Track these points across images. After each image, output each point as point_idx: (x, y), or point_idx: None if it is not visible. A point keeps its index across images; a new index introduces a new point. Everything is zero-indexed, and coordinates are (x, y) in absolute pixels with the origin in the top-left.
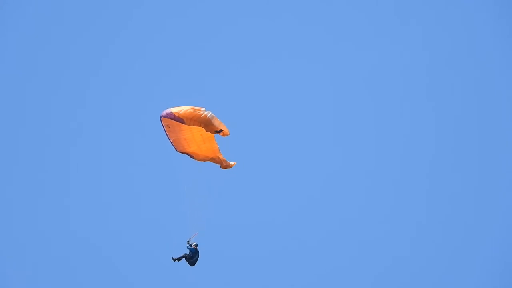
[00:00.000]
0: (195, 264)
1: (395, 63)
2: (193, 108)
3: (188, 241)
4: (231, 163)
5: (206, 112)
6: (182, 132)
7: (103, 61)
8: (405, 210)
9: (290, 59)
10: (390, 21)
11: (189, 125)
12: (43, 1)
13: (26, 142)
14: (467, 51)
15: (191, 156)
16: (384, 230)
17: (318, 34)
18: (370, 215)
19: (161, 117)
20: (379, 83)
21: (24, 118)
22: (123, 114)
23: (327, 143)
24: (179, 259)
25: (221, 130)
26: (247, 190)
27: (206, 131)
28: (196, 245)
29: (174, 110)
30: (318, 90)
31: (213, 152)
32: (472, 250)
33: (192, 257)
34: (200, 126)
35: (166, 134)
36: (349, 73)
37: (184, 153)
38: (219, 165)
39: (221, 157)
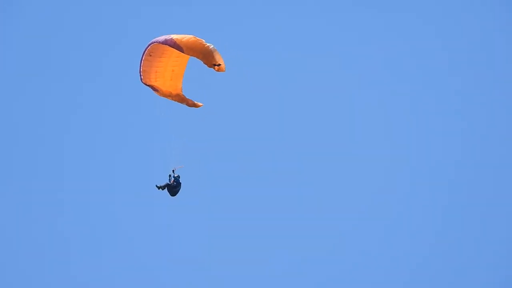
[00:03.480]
0: (176, 195)
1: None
2: (196, 38)
3: (173, 170)
4: (198, 103)
5: (209, 44)
6: (157, 63)
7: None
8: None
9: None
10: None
11: (187, 54)
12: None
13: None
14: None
15: (155, 90)
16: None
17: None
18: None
19: (152, 42)
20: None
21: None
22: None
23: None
24: (163, 187)
25: (219, 64)
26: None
27: (204, 63)
28: (179, 177)
29: (175, 36)
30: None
31: (176, 89)
32: None
33: (175, 186)
34: (198, 56)
35: (140, 63)
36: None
37: (149, 85)
38: (184, 104)
39: (182, 95)
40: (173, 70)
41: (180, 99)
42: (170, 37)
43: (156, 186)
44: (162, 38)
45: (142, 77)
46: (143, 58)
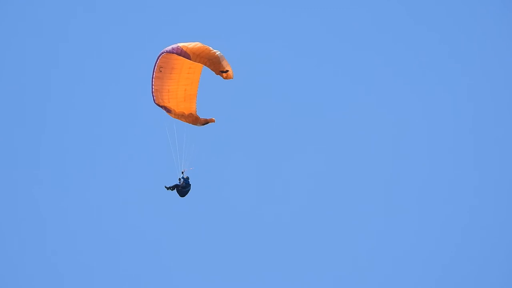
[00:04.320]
0: (185, 196)
1: None
2: (202, 44)
3: (183, 172)
4: (210, 119)
5: (215, 50)
6: (169, 81)
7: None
8: None
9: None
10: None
11: (194, 61)
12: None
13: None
14: None
15: (168, 111)
16: None
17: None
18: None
19: (162, 53)
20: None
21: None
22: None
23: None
24: (172, 188)
25: (226, 71)
26: None
27: (211, 69)
28: (188, 178)
29: (182, 44)
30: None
31: (189, 109)
32: None
33: (184, 187)
34: (205, 63)
35: (152, 80)
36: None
37: (162, 106)
38: (196, 125)
39: (195, 115)
40: (185, 90)
41: (193, 119)
42: (177, 46)
43: (165, 187)
44: (169, 47)
45: (154, 97)
46: (154, 75)
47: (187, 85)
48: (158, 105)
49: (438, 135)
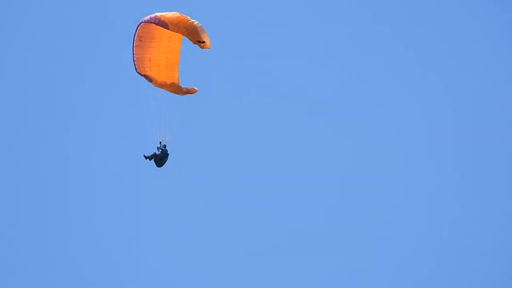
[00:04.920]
0: (162, 166)
1: None
2: (180, 14)
3: (161, 142)
4: (192, 89)
5: (193, 20)
6: (150, 49)
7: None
8: None
9: None
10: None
11: (172, 30)
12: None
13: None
14: None
15: (150, 80)
16: None
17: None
18: None
19: (140, 23)
20: None
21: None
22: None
23: None
24: (150, 157)
25: (203, 42)
26: None
27: (189, 39)
28: (165, 146)
29: (160, 13)
30: None
31: (171, 78)
32: None
33: (162, 158)
34: (183, 33)
35: (133, 50)
36: None
37: (144, 75)
38: (178, 94)
39: (178, 84)
40: (167, 58)
41: (175, 88)
42: (155, 15)
43: (144, 156)
44: (147, 17)
45: (136, 66)
46: (134, 44)
47: (168, 53)
48: (140, 74)
49: (438, 135)
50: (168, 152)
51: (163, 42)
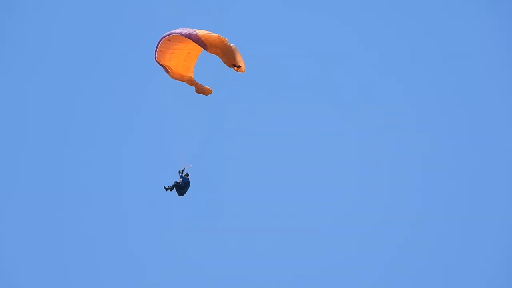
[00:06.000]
0: (184, 195)
1: None
2: (219, 36)
3: (181, 171)
4: (208, 88)
5: (231, 43)
6: (175, 46)
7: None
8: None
9: None
10: None
11: (209, 51)
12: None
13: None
14: None
15: (167, 71)
16: None
17: None
18: None
19: (174, 33)
20: None
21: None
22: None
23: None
24: (171, 188)
25: (239, 66)
26: None
27: (224, 61)
28: (187, 175)
29: (201, 32)
30: None
31: (188, 70)
32: None
33: (183, 187)
34: (219, 54)
35: (157, 43)
36: None
37: (162, 64)
38: (192, 86)
39: (193, 78)
40: (189, 52)
41: (191, 82)
42: (195, 32)
43: (164, 187)
44: (185, 30)
45: (156, 56)
46: (161, 40)
47: (191, 49)
48: (158, 63)
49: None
50: (189, 181)
51: (189, 44)
